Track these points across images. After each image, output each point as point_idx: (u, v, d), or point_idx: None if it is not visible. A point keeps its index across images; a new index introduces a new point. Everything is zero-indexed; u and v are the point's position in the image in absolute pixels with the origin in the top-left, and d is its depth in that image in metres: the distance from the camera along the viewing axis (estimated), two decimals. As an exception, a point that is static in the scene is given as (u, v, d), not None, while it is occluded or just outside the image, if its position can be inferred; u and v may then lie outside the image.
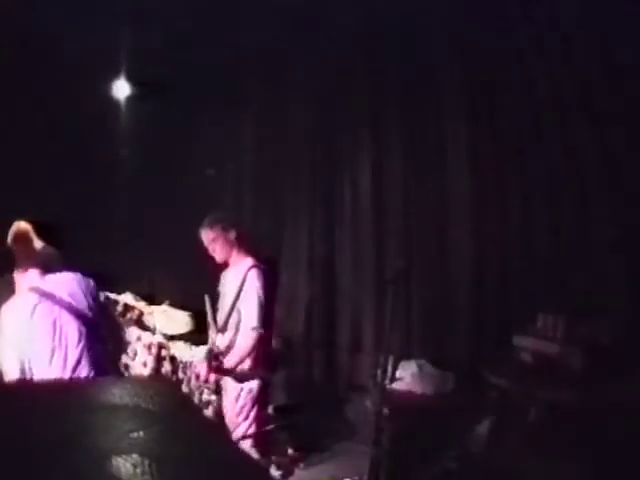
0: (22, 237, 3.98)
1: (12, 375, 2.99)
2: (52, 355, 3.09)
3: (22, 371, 3.02)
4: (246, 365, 4.26)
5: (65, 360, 3.11)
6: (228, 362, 4.19)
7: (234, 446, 1.83)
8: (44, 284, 3.24)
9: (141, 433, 1.37)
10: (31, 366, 3.05)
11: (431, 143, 5.72)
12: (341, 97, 6.46)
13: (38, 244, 3.35)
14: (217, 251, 4.37)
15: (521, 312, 4.64)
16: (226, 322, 4.30)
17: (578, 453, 3.25)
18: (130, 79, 7.99)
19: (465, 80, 5.39)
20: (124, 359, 5.30)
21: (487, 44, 5.10)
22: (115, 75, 7.93)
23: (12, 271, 3.40)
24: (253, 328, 4.15)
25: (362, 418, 4.94)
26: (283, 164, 7.20)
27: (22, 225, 4.84)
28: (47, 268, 3.34)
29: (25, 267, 3.32)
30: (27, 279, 3.29)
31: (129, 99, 8.16)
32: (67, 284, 3.27)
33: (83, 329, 3.20)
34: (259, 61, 6.91)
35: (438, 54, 5.56)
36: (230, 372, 4.17)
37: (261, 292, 4.21)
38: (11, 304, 3.20)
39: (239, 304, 4.23)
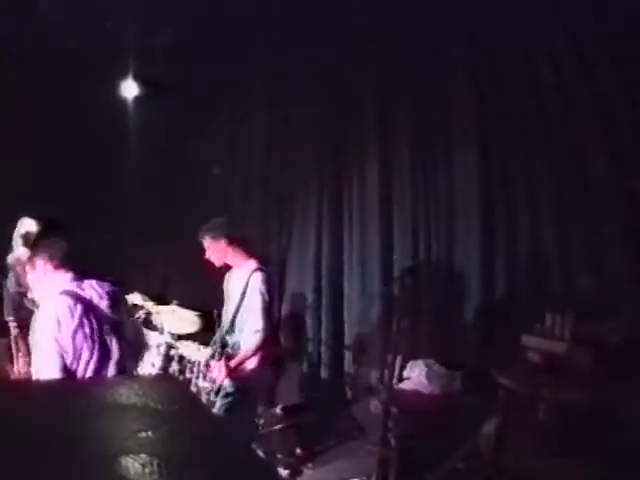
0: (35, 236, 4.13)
1: (48, 375, 3.04)
2: (95, 368, 3.14)
3: (61, 371, 3.05)
4: (251, 366, 4.35)
5: (100, 361, 3.17)
6: (232, 363, 4.31)
7: (243, 446, 1.75)
8: (75, 286, 3.28)
9: (150, 433, 1.38)
10: (69, 367, 3.09)
11: (439, 142, 5.74)
12: (348, 97, 6.48)
13: (51, 242, 3.47)
14: (213, 257, 4.53)
15: (529, 311, 4.64)
16: (231, 324, 4.43)
17: (586, 453, 3.23)
18: (138, 79, 8.03)
19: (473, 76, 5.41)
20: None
21: (497, 42, 5.15)
22: (123, 75, 7.97)
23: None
24: (257, 331, 4.24)
25: (370, 418, 4.95)
26: (291, 164, 7.24)
27: (30, 223, 4.91)
28: (73, 269, 3.39)
29: (57, 266, 3.36)
30: (60, 281, 3.32)
31: (137, 99, 8.20)
32: (105, 294, 3.32)
33: (122, 344, 3.30)
34: (267, 61, 6.95)
35: (446, 49, 5.57)
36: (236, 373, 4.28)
37: (265, 295, 4.29)
38: (50, 309, 3.21)
39: (243, 307, 4.36)
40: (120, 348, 3.28)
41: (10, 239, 5.07)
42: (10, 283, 5.09)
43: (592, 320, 3.99)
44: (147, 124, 8.20)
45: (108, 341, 3.24)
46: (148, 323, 5.83)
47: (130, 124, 8.38)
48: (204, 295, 5.85)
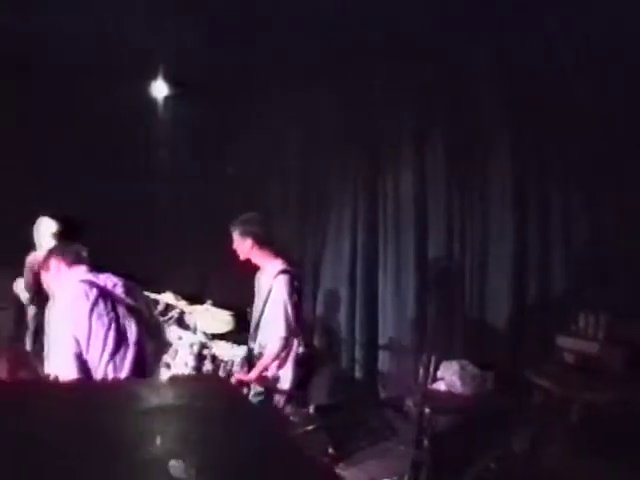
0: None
1: (66, 371, 3.12)
2: (110, 355, 3.24)
3: (78, 367, 3.15)
4: (278, 368, 4.38)
5: (122, 361, 3.26)
6: (256, 367, 4.35)
7: (292, 443, 1.84)
8: (102, 281, 3.42)
9: (198, 433, 1.45)
10: (87, 363, 3.19)
11: (473, 142, 5.81)
12: (382, 99, 6.53)
13: (64, 243, 3.75)
14: (239, 253, 4.56)
15: (563, 312, 4.68)
16: (257, 326, 4.49)
17: (620, 454, 3.26)
18: (168, 79, 8.11)
19: (506, 79, 5.45)
20: (165, 358, 5.32)
21: (528, 45, 5.14)
22: (153, 75, 8.05)
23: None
24: (280, 337, 4.25)
25: (403, 418, 5.08)
26: (326, 163, 7.30)
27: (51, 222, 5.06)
28: (88, 265, 3.58)
29: (70, 263, 3.55)
30: (75, 274, 3.48)
31: (167, 99, 8.31)
32: (125, 285, 3.47)
33: (141, 327, 3.39)
34: (297, 61, 6.92)
35: (478, 52, 5.61)
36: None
37: (288, 299, 4.28)
38: (65, 296, 3.37)
39: (267, 310, 4.40)
40: (139, 330, 3.37)
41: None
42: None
43: (626, 321, 4.02)
44: (177, 124, 8.31)
45: (125, 323, 3.34)
46: (181, 322, 5.87)
47: (160, 124, 8.50)
48: (238, 294, 5.79)
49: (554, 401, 3.74)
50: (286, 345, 4.29)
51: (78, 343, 3.19)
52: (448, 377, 4.95)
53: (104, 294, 3.35)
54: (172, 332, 5.53)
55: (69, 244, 3.81)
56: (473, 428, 4.23)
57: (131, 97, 7.92)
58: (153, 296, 5.61)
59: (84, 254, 3.69)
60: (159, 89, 8.25)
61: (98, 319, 3.24)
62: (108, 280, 3.44)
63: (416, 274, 6.15)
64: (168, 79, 8.14)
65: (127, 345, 3.31)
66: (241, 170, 7.91)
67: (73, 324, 3.20)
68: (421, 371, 4.86)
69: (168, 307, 5.82)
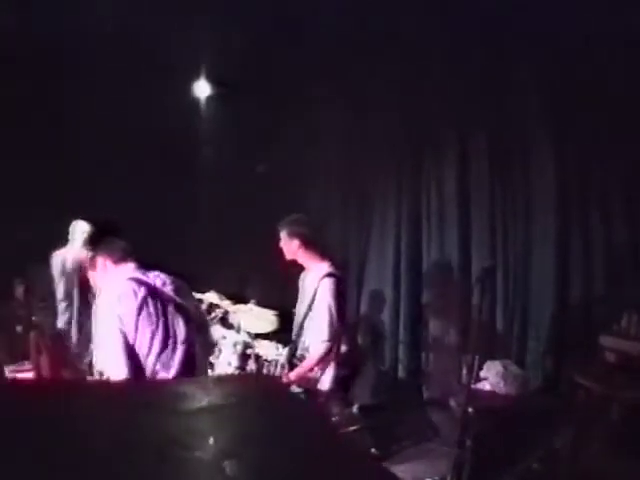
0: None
1: (114, 366, 3.21)
2: (158, 353, 3.28)
3: (127, 363, 3.21)
4: (321, 369, 4.39)
5: (170, 360, 3.30)
6: (298, 369, 4.38)
7: (342, 440, 1.86)
8: (151, 279, 3.45)
9: (250, 432, 1.46)
10: (137, 359, 3.25)
11: (515, 144, 5.85)
12: (425, 98, 6.55)
13: (110, 240, 3.71)
14: (286, 253, 4.59)
15: (606, 311, 4.69)
16: (300, 329, 4.51)
17: None
18: (211, 79, 8.31)
19: (548, 79, 5.47)
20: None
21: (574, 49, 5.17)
22: (196, 75, 8.26)
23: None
24: (323, 340, 4.26)
25: (445, 418, 5.10)
26: (370, 163, 7.34)
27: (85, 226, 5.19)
28: (139, 264, 3.60)
29: (117, 261, 3.57)
30: (123, 271, 3.51)
31: (210, 99, 8.48)
32: (174, 284, 3.49)
33: (190, 326, 3.43)
34: (340, 60, 6.97)
35: (520, 52, 5.63)
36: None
37: (333, 303, 4.28)
38: (113, 292, 3.39)
39: (311, 312, 4.40)
40: (187, 329, 3.39)
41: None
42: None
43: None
44: (220, 124, 8.46)
45: (174, 322, 3.36)
46: (225, 322, 5.97)
47: (203, 124, 8.68)
48: (282, 294, 5.94)
49: (596, 400, 3.75)
50: (329, 349, 4.29)
51: (126, 339, 3.23)
52: (491, 377, 4.97)
53: (153, 292, 3.37)
54: (216, 331, 5.59)
55: (114, 242, 3.80)
56: (516, 428, 4.22)
57: (174, 97, 8.10)
58: (197, 296, 5.67)
59: (129, 252, 3.70)
60: (202, 89, 8.43)
61: (146, 317, 3.28)
62: (157, 278, 3.47)
63: (459, 275, 6.21)
64: (211, 79, 8.33)
65: (175, 344, 3.33)
66: (283, 170, 7.98)
67: (120, 321, 3.23)
68: (464, 371, 4.90)
69: (212, 307, 5.92)
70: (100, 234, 5.25)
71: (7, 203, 8.11)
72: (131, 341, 3.25)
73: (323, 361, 4.33)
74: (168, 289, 3.44)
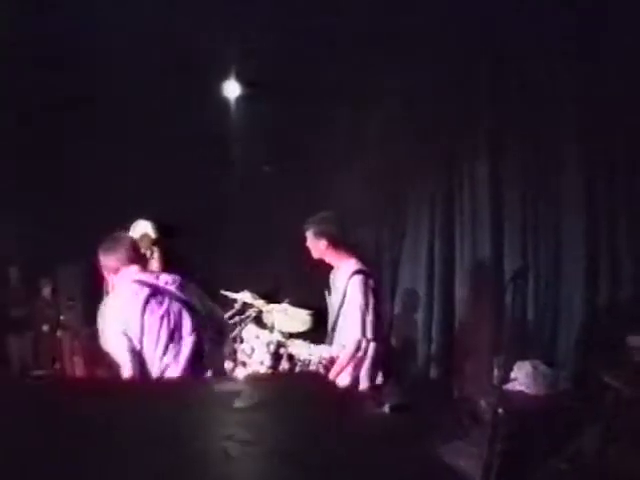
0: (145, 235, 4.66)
1: (126, 367, 3.30)
2: (164, 348, 3.37)
3: (134, 363, 3.30)
4: (352, 371, 4.41)
5: (177, 354, 3.39)
6: (333, 368, 4.39)
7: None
8: (154, 279, 3.56)
9: (304, 428, 1.51)
10: (143, 358, 3.34)
11: (547, 146, 5.96)
12: (458, 96, 6.69)
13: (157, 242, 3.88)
14: (312, 252, 4.64)
15: (635, 311, 4.82)
16: (333, 329, 4.57)
17: None
18: (241, 80, 8.41)
19: (581, 81, 5.59)
20: (241, 357, 5.58)
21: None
22: (226, 75, 8.38)
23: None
24: (355, 339, 4.29)
25: (474, 418, 5.11)
26: (404, 164, 7.43)
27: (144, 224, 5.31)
28: (144, 266, 3.76)
29: (134, 262, 3.64)
30: (126, 276, 3.58)
31: (239, 99, 8.58)
32: (178, 282, 3.59)
33: (196, 324, 3.49)
34: (372, 60, 7.07)
35: (553, 53, 5.76)
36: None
37: (363, 300, 4.31)
38: (118, 296, 3.53)
39: (342, 311, 4.45)
40: (193, 324, 3.45)
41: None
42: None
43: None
44: (250, 124, 8.55)
45: (179, 317, 3.45)
46: (258, 321, 6.03)
47: (233, 124, 8.77)
48: (316, 294, 5.75)
49: (624, 401, 3.82)
50: (362, 347, 4.30)
51: (132, 342, 3.31)
52: (521, 377, 5.09)
53: (155, 291, 3.46)
54: (249, 331, 5.69)
55: (124, 238, 3.87)
56: (544, 428, 4.31)
57: (204, 97, 8.27)
58: (231, 295, 5.85)
59: (137, 252, 3.79)
60: (232, 89, 8.52)
61: (150, 316, 3.36)
62: (160, 278, 3.57)
63: (492, 275, 6.31)
64: (241, 79, 8.42)
65: (181, 339, 3.41)
66: (317, 170, 8.10)
67: (126, 325, 3.32)
68: (495, 371, 4.99)
69: (246, 306, 5.94)
70: (157, 235, 5.37)
71: (36, 204, 8.36)
72: (137, 342, 3.33)
73: (356, 358, 4.33)
74: (171, 287, 3.53)
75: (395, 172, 7.53)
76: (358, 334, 4.27)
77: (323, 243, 4.51)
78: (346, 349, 4.36)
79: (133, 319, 3.34)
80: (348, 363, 4.35)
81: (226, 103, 8.64)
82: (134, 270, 3.61)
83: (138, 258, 3.74)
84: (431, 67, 6.71)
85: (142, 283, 3.49)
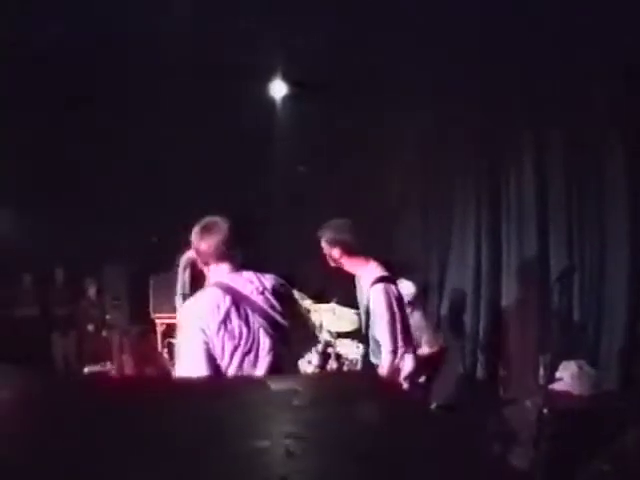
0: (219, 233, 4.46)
1: (195, 370, 3.15)
2: (240, 360, 3.19)
3: (208, 367, 3.14)
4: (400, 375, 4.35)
5: (253, 367, 3.22)
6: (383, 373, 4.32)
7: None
8: (243, 284, 3.32)
9: (366, 426, 1.47)
10: (216, 362, 3.16)
11: (591, 144, 6.03)
12: (502, 98, 6.78)
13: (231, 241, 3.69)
14: (329, 260, 4.53)
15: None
16: (366, 337, 4.48)
17: None
18: (287, 79, 8.61)
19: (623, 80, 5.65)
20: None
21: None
22: (272, 75, 8.59)
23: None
24: (389, 351, 4.18)
25: (520, 419, 5.12)
26: (450, 165, 7.58)
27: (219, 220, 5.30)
28: (235, 265, 3.47)
29: (213, 262, 3.41)
30: (215, 274, 3.40)
31: (285, 99, 8.79)
32: (262, 286, 3.34)
33: (275, 337, 3.28)
34: (418, 61, 7.16)
35: (595, 53, 5.78)
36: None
37: (387, 310, 4.18)
38: (197, 298, 3.34)
39: (371, 322, 4.34)
40: (272, 342, 3.25)
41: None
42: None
43: None
44: (296, 124, 8.74)
45: (258, 333, 3.24)
46: None
47: (279, 123, 8.98)
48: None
49: None
50: (395, 358, 4.20)
51: (209, 351, 3.15)
52: (566, 377, 5.15)
53: (238, 301, 3.25)
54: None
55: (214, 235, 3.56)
56: (588, 429, 4.37)
57: (251, 97, 8.47)
58: None
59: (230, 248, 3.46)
60: (278, 89, 8.74)
61: (229, 331, 3.18)
62: (248, 284, 3.32)
63: (538, 275, 6.39)
64: (287, 79, 8.62)
65: (257, 357, 3.23)
66: (362, 171, 8.21)
67: (204, 334, 3.16)
68: (541, 371, 5.07)
69: None
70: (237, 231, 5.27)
71: (81, 205, 8.65)
72: (212, 352, 3.16)
73: (394, 368, 4.24)
74: (258, 298, 3.29)
75: (441, 173, 7.68)
76: (389, 346, 4.18)
77: (337, 251, 4.40)
78: (382, 363, 4.25)
79: (212, 331, 3.15)
80: (390, 373, 4.22)
81: (272, 103, 8.84)
82: (225, 270, 3.39)
83: (230, 254, 3.42)
84: (476, 67, 6.78)
85: (226, 289, 3.27)
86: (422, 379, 4.70)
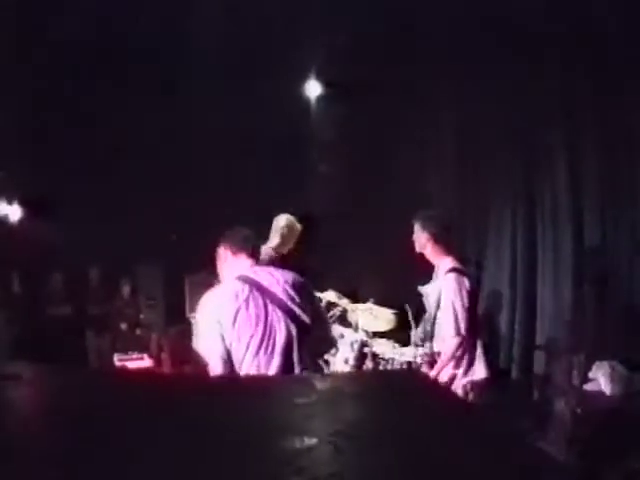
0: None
1: (214, 363, 3.33)
2: (257, 347, 3.32)
3: (224, 360, 3.30)
4: (451, 371, 4.59)
5: (269, 355, 3.34)
6: (436, 367, 4.59)
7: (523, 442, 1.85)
8: (252, 272, 3.53)
9: (411, 427, 1.52)
10: (233, 356, 3.33)
11: (627, 142, 6.09)
12: (535, 96, 6.85)
13: (234, 230, 3.77)
14: (416, 245, 4.88)
15: None
16: (432, 329, 4.76)
17: None
18: (321, 79, 8.82)
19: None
20: (326, 355, 5.67)
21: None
22: (307, 75, 8.81)
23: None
24: (452, 336, 4.49)
25: (553, 419, 5.22)
26: (485, 164, 7.68)
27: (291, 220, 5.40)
28: (255, 259, 3.69)
29: (235, 252, 3.65)
30: (236, 268, 3.59)
31: (320, 99, 8.97)
32: (282, 279, 3.51)
33: (293, 328, 3.41)
34: (452, 61, 7.30)
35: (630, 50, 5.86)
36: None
37: (456, 298, 4.51)
38: (219, 290, 3.51)
39: (440, 310, 4.65)
40: (288, 335, 3.36)
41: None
42: None
43: None
44: (330, 124, 8.90)
45: (275, 325, 3.35)
46: (343, 320, 6.29)
47: (313, 124, 9.17)
48: (400, 293, 6.16)
49: None
50: (460, 345, 4.50)
51: (224, 343, 3.30)
52: (599, 378, 5.25)
53: (256, 292, 3.39)
54: (334, 330, 5.79)
55: (238, 230, 3.82)
56: (621, 429, 4.49)
57: (285, 97, 8.68)
58: (316, 295, 6.18)
59: (252, 243, 3.75)
60: (312, 89, 8.96)
61: (245, 319, 3.31)
62: (269, 277, 3.49)
63: (573, 276, 6.48)
64: (321, 79, 8.83)
65: (274, 347, 3.34)
66: (397, 171, 8.36)
67: (220, 326, 3.31)
68: (575, 372, 5.22)
69: (330, 305, 6.16)
70: (297, 228, 5.51)
71: (116, 205, 8.90)
72: (228, 343, 3.31)
73: (455, 357, 4.54)
74: (277, 289, 3.44)
75: (476, 174, 7.77)
76: (452, 332, 4.50)
77: (426, 237, 4.78)
78: (445, 348, 4.59)
79: (228, 322, 3.32)
80: (449, 362, 4.57)
81: (307, 103, 9.02)
82: (247, 264, 3.61)
83: (251, 252, 3.70)
84: (510, 68, 6.85)
85: (246, 281, 3.44)
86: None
